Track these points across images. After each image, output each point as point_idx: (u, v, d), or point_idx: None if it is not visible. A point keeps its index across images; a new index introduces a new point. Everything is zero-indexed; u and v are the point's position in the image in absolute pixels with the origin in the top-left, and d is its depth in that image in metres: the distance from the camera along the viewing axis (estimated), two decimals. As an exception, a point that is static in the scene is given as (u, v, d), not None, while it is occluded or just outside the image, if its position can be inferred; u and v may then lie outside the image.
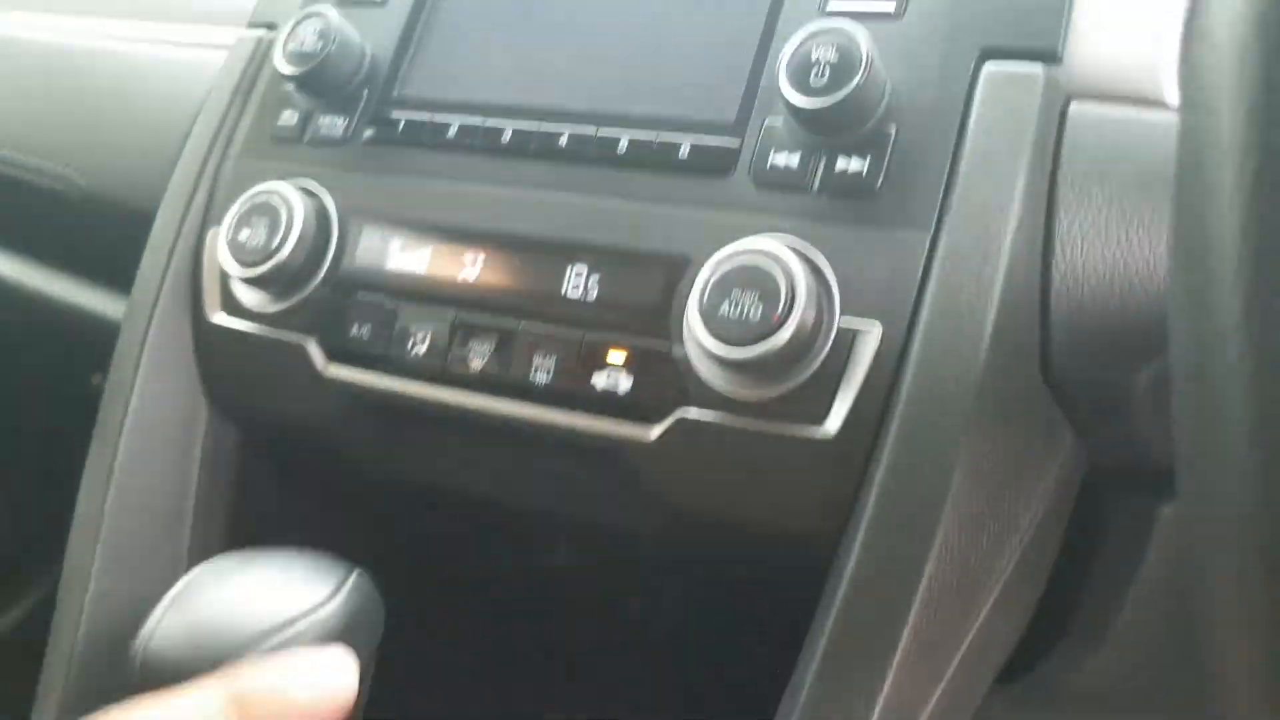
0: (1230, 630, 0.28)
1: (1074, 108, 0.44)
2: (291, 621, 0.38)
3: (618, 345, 0.47)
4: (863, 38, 0.44)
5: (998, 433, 0.42)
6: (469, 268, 0.51)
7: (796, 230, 0.45)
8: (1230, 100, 0.25)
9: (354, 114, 0.56)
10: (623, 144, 0.50)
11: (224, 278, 0.56)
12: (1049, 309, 0.43)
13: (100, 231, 0.69)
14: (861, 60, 0.44)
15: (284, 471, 0.64)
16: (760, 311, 0.42)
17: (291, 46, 0.56)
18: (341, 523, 0.68)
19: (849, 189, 0.45)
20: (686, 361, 0.45)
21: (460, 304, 0.51)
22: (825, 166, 0.45)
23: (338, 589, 0.40)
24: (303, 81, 0.56)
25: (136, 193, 0.65)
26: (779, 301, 0.42)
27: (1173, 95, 0.44)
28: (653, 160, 0.49)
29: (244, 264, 0.53)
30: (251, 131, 0.59)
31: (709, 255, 0.44)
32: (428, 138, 0.54)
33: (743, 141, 0.47)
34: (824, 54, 0.44)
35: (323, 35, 0.55)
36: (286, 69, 0.56)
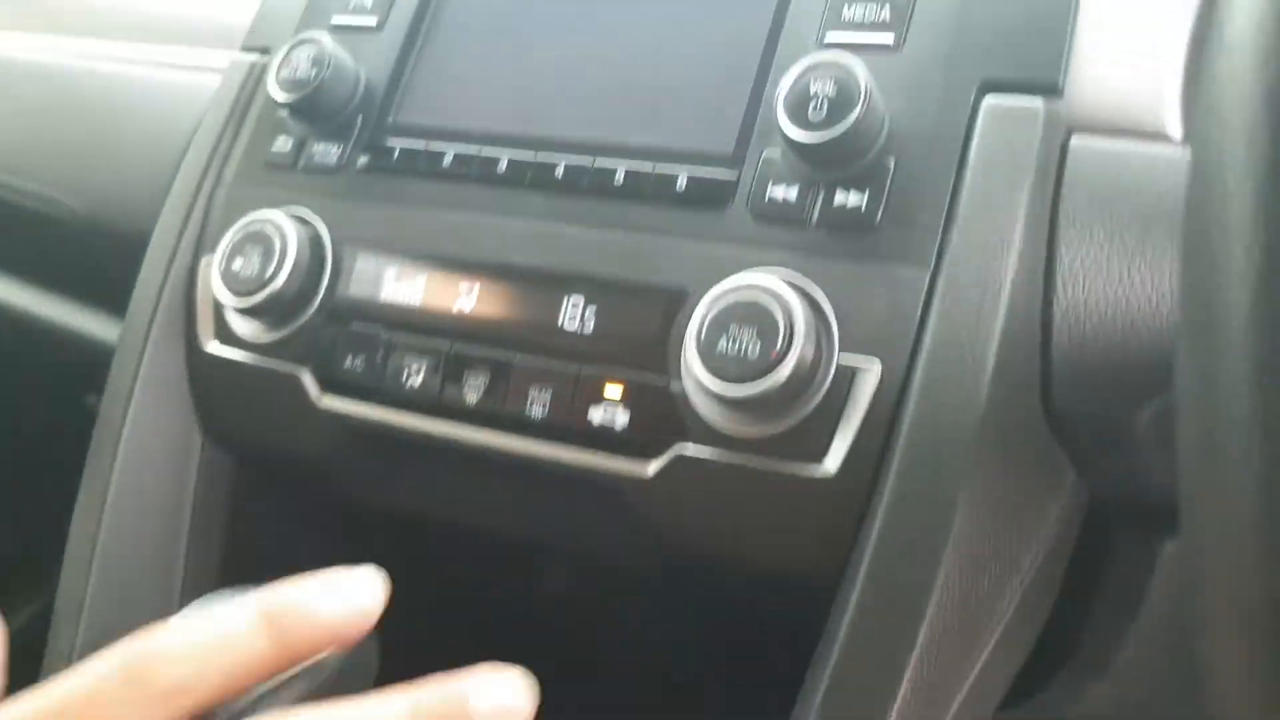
0: (1232, 666, 0.28)
1: (1075, 141, 0.44)
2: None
3: (614, 379, 0.47)
4: (860, 71, 0.43)
5: (999, 473, 0.42)
6: (464, 298, 0.51)
7: (795, 264, 0.44)
8: (1243, 134, 0.24)
9: (348, 141, 0.56)
10: (619, 175, 0.49)
11: (218, 306, 0.56)
12: (1050, 347, 0.42)
13: (94, 255, 0.68)
14: (860, 94, 0.43)
15: (279, 498, 0.64)
16: (759, 348, 0.42)
17: (285, 73, 0.55)
18: (337, 550, 0.67)
19: (848, 223, 0.44)
20: (684, 397, 0.45)
21: (455, 335, 0.50)
22: (824, 200, 0.45)
23: None
24: (297, 109, 0.55)
25: (130, 217, 0.64)
26: (777, 338, 0.42)
27: (1175, 128, 0.44)
28: (650, 191, 0.48)
29: (238, 294, 0.53)
30: (245, 158, 0.58)
31: (707, 288, 0.44)
32: (423, 166, 0.53)
33: (740, 173, 0.47)
34: (822, 87, 0.44)
35: (317, 62, 0.55)
36: (280, 96, 0.55)
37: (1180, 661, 0.48)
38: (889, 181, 0.44)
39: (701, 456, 0.45)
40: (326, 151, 0.56)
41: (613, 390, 0.47)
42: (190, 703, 0.30)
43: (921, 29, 0.46)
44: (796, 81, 0.44)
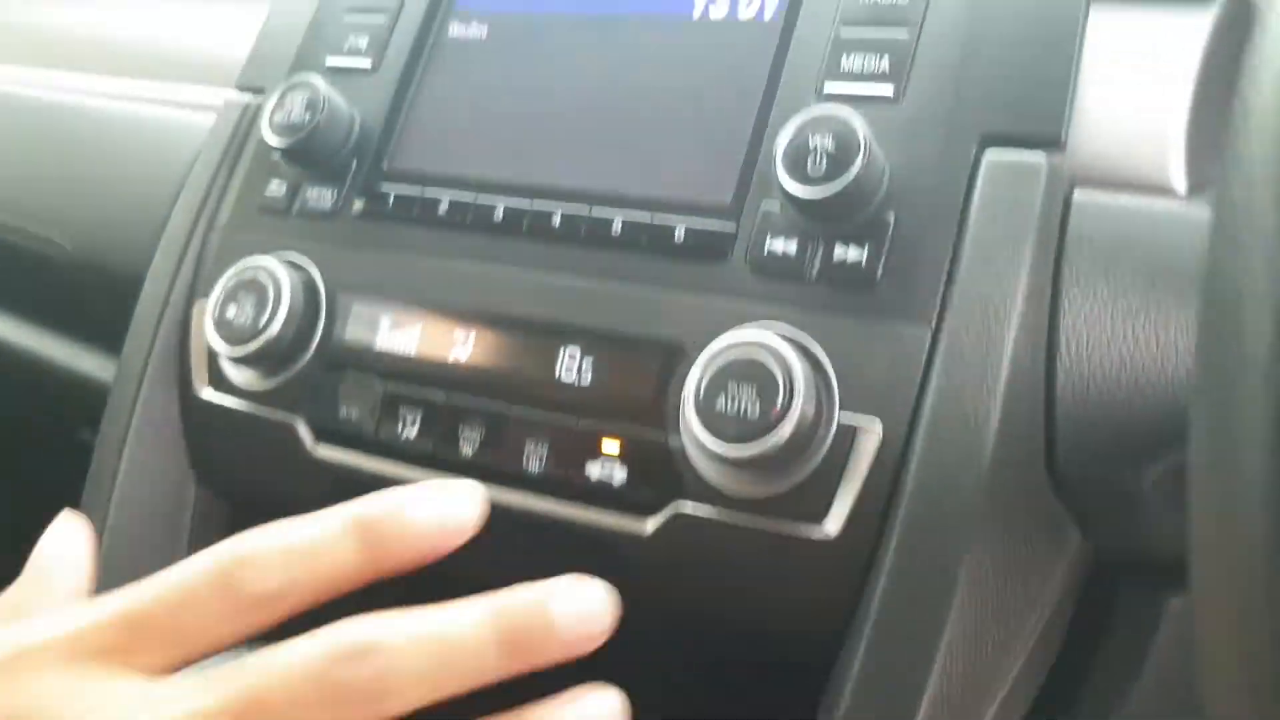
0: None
1: (1078, 195, 0.43)
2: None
3: (612, 434, 0.46)
4: (859, 125, 0.43)
5: (1003, 535, 0.41)
6: (460, 348, 0.50)
7: (794, 320, 0.44)
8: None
9: (343, 185, 0.55)
10: (616, 225, 0.49)
11: (211, 353, 0.55)
12: (1054, 406, 0.41)
13: (88, 294, 0.68)
14: (860, 148, 0.42)
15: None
16: (758, 407, 0.41)
17: (279, 118, 0.55)
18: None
19: (848, 279, 0.44)
20: (683, 453, 0.44)
21: (451, 385, 0.50)
22: (823, 254, 0.44)
23: None
24: (290, 153, 0.55)
25: (123, 257, 0.63)
26: (777, 396, 0.41)
27: (1180, 181, 0.43)
28: (647, 242, 0.48)
29: (231, 343, 0.52)
30: (238, 202, 0.58)
31: (705, 343, 0.43)
32: (418, 213, 0.53)
33: (739, 226, 0.46)
34: (821, 141, 0.43)
35: (311, 106, 0.54)
36: (274, 140, 0.54)
37: (1186, 716, 0.48)
38: (889, 237, 0.44)
39: (700, 515, 0.44)
40: (321, 196, 0.55)
41: (610, 445, 0.46)
42: (279, 612, 0.30)
43: (921, 81, 0.45)
44: (795, 135, 0.43)
